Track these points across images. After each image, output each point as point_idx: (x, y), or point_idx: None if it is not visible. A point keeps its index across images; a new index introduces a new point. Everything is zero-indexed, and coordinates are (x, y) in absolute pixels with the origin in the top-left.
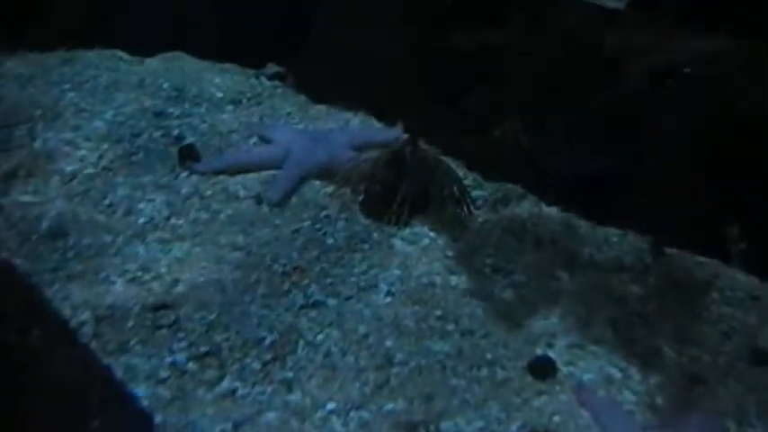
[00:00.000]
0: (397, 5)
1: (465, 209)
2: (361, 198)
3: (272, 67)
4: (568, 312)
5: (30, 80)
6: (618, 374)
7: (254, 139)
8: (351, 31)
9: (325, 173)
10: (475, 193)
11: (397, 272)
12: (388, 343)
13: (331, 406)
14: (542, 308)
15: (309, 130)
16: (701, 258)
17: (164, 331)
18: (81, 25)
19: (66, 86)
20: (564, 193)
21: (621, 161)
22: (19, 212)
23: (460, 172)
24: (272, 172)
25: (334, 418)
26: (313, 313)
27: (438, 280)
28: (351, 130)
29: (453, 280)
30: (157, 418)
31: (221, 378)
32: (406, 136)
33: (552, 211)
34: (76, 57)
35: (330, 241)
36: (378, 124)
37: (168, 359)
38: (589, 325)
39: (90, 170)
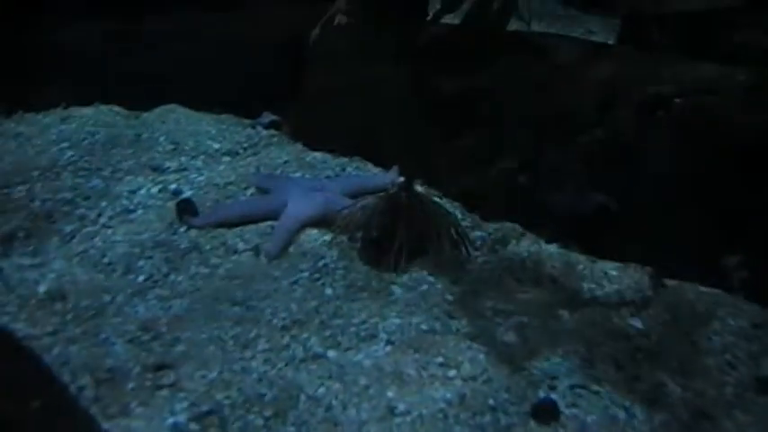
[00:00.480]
0: (389, 48)
1: (464, 251)
2: (358, 245)
3: (267, 116)
4: (570, 352)
5: (28, 140)
6: (622, 414)
7: (252, 191)
8: (343, 76)
9: (323, 221)
10: (474, 234)
11: (397, 320)
12: (390, 393)
13: None
14: (544, 349)
15: (306, 178)
16: (703, 288)
17: (164, 392)
18: (77, 82)
19: (65, 145)
20: (562, 229)
21: (618, 194)
22: (18, 275)
23: (458, 213)
24: (270, 223)
25: None
26: (313, 366)
27: (438, 326)
28: (346, 176)
29: (454, 325)
30: None
31: None
32: (401, 180)
33: (551, 248)
34: (74, 114)
35: (329, 291)
36: (374, 169)
37: (170, 420)
38: (591, 364)
39: (89, 228)
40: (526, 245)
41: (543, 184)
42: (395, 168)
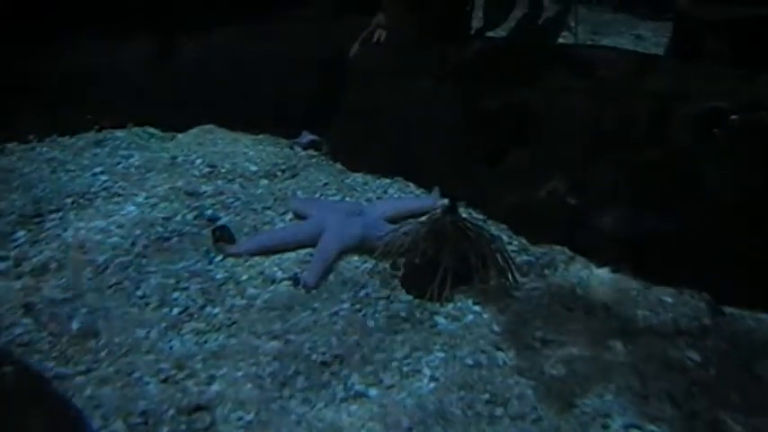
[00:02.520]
0: (431, 64)
1: (510, 277)
2: (401, 273)
3: (306, 136)
4: (624, 387)
5: (61, 164)
6: None
7: (290, 216)
8: (384, 93)
9: (362, 247)
10: (521, 259)
11: (441, 354)
12: None
13: None
14: (596, 383)
15: (344, 202)
16: (763, 316)
17: None
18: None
19: (98, 170)
20: (614, 253)
21: (672, 216)
22: (49, 311)
23: (505, 236)
24: (309, 250)
25: None
26: (354, 406)
27: (484, 359)
28: (386, 200)
29: (501, 357)
30: None
31: None
32: (443, 202)
33: (602, 273)
34: (107, 137)
35: (370, 323)
36: (416, 190)
37: None
38: (646, 400)
39: (122, 258)
40: (576, 270)
41: (593, 206)
42: (436, 190)
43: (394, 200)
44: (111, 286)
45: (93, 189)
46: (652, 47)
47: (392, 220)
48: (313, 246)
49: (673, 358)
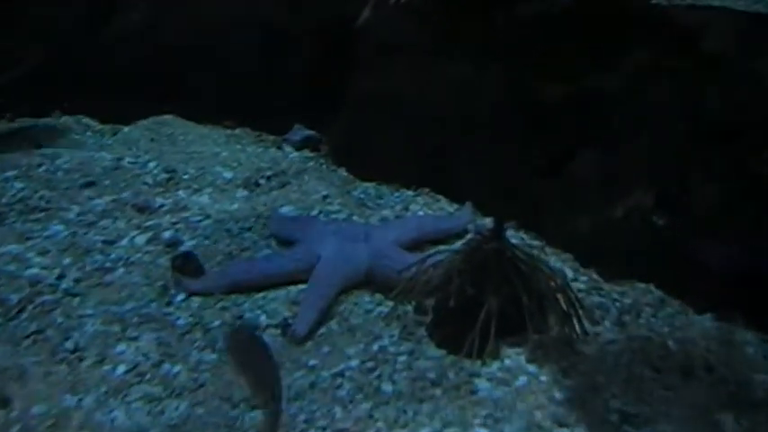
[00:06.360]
0: (471, 38)
1: (577, 326)
2: (429, 319)
3: (300, 131)
4: None
5: None
6: None
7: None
8: (409, 77)
9: (374, 282)
10: (591, 301)
11: (483, 430)
12: None
13: None
14: None
15: (348, 222)
16: None
17: None
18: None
19: (10, 173)
20: (720, 293)
21: None
22: None
23: (569, 270)
24: (303, 286)
25: None
26: None
27: None
28: (405, 219)
29: None
30: None
31: None
32: (484, 223)
33: (705, 321)
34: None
35: (387, 388)
36: (449, 206)
37: None
38: None
39: (46, 297)
40: (667, 316)
41: (691, 229)
42: (468, 205)
43: (415, 218)
44: (28, 335)
45: (3, 201)
46: None
47: (412, 247)
48: (305, 281)
49: None
